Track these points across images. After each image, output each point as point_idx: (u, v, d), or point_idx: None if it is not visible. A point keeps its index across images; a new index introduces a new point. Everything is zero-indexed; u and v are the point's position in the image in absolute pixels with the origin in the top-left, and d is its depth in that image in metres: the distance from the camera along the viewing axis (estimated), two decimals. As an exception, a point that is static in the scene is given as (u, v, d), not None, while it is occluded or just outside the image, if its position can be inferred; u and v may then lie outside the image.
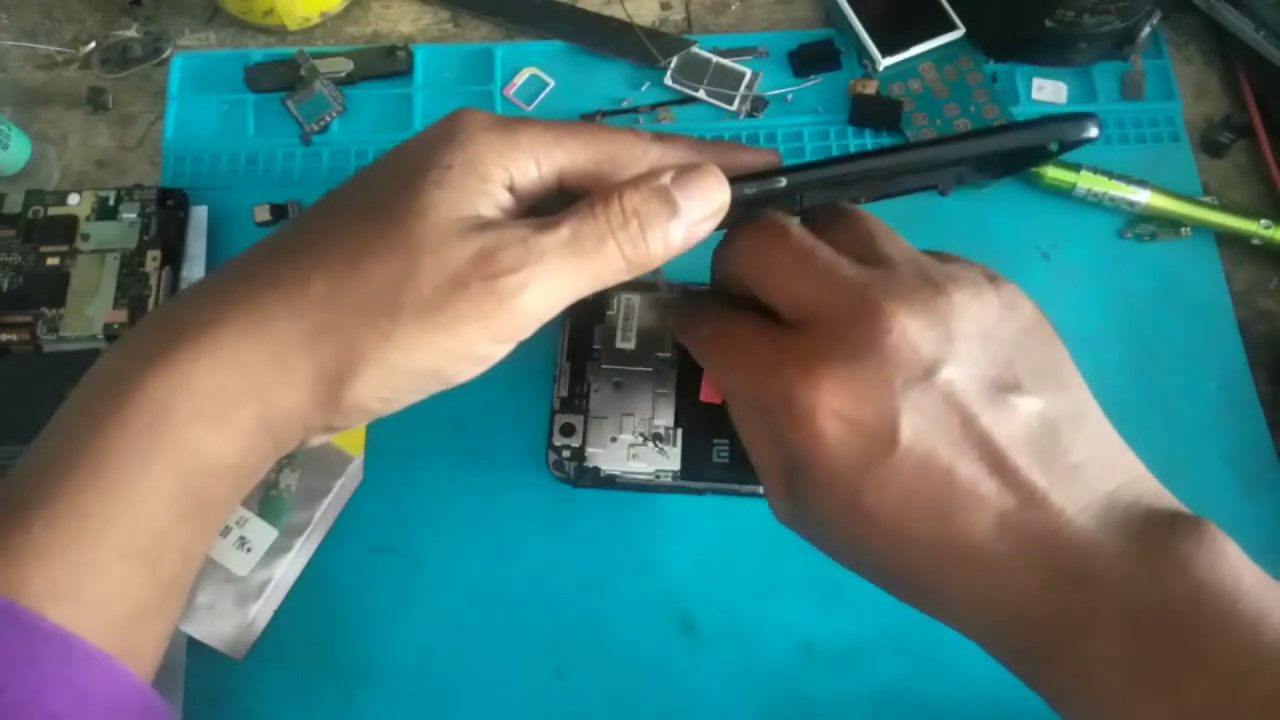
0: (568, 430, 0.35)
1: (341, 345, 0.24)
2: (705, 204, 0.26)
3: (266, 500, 0.37)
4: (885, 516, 0.25)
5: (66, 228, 0.40)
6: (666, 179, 0.26)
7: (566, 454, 0.35)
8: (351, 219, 0.26)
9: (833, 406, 0.25)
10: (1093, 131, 0.26)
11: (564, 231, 0.25)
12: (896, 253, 0.27)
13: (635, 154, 0.27)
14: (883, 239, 0.28)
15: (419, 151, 0.26)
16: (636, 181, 0.26)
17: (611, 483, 0.35)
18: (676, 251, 0.26)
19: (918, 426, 0.25)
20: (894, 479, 0.25)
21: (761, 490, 0.31)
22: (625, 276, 0.26)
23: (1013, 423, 0.25)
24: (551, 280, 0.25)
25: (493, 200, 0.26)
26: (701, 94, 0.44)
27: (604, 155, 0.27)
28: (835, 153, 0.44)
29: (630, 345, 0.36)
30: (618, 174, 0.27)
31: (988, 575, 0.25)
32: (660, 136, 0.28)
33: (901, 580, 0.27)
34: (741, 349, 0.28)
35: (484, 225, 0.25)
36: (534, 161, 0.26)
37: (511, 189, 0.26)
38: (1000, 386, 0.25)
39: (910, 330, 0.25)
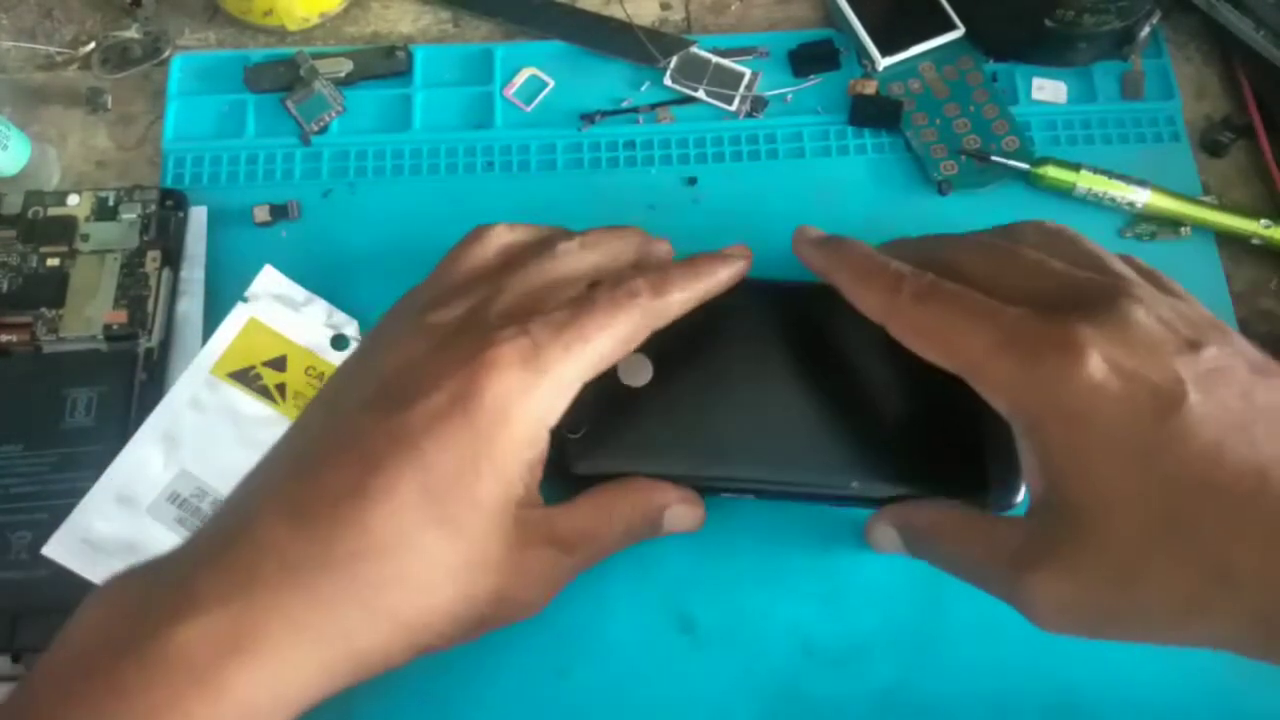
0: (571, 426, 0.35)
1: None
2: None
3: (266, 500, 0.37)
4: (1191, 470, 0.24)
5: (66, 228, 0.40)
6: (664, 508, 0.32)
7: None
8: (412, 502, 0.26)
9: (1107, 353, 0.25)
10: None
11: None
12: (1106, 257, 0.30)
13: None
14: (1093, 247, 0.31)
15: (461, 432, 0.27)
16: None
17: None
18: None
19: (1199, 386, 0.25)
20: (1193, 436, 0.24)
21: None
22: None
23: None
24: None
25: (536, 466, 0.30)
26: (701, 94, 0.44)
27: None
28: (836, 153, 0.44)
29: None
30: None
31: None
32: (657, 288, 0.31)
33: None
34: (982, 309, 0.28)
35: (527, 507, 0.29)
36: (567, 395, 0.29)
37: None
38: (1257, 372, 0.26)
39: (1164, 314, 0.27)
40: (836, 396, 0.34)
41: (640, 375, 0.35)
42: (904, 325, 0.30)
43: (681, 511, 0.32)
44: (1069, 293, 0.28)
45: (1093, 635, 0.27)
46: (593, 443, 0.34)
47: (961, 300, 0.29)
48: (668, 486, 0.33)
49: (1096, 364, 0.25)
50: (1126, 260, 0.31)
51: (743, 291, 0.35)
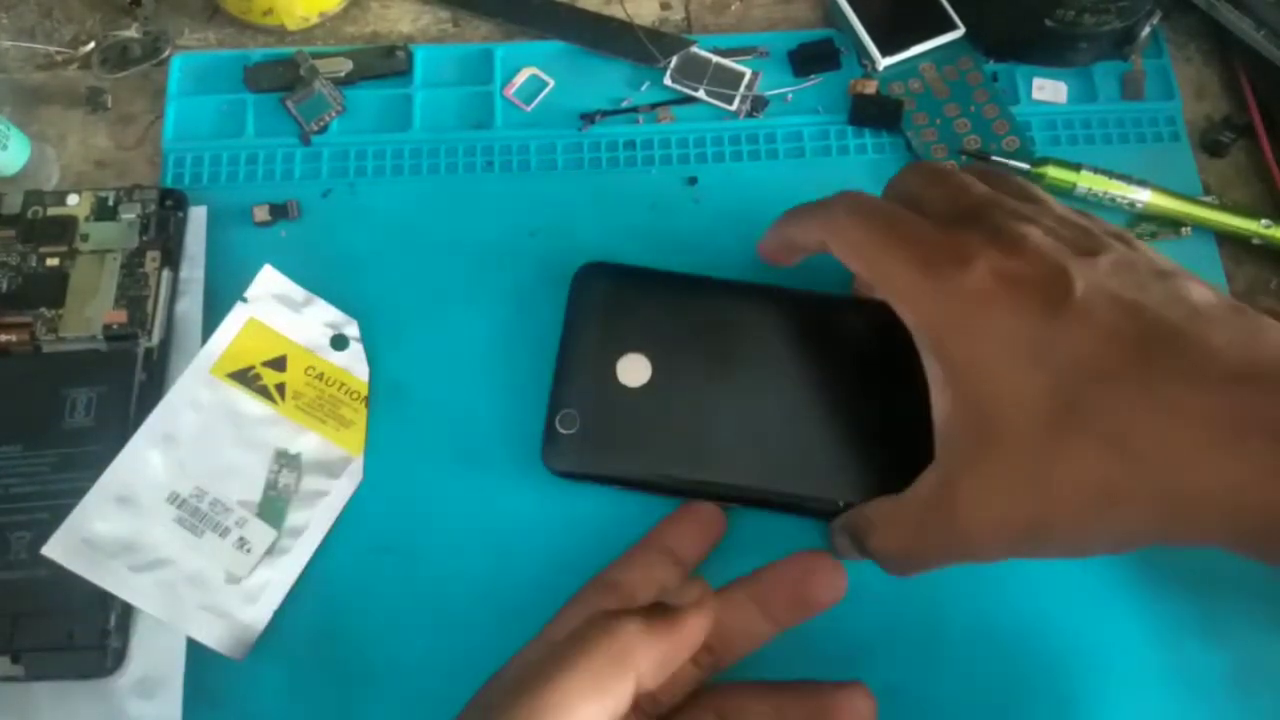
0: (568, 421, 0.35)
1: None
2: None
3: (266, 500, 0.37)
4: (1083, 358, 0.25)
5: (66, 228, 0.40)
6: None
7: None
8: None
9: (996, 262, 0.26)
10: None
11: None
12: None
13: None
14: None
15: None
16: None
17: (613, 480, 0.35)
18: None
19: (1090, 280, 0.26)
20: (1081, 325, 0.25)
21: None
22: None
23: (1181, 291, 0.26)
24: None
25: None
26: (701, 94, 0.44)
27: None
28: (836, 153, 0.44)
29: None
30: None
31: (1205, 420, 0.24)
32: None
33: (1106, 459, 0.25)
34: (898, 222, 0.29)
35: None
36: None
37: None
38: (1156, 273, 0.27)
39: (1064, 233, 0.27)
40: (831, 410, 0.34)
41: (639, 375, 0.35)
42: (840, 240, 0.30)
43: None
44: (980, 212, 0.29)
45: (1031, 553, 0.27)
46: (582, 440, 0.34)
47: (884, 213, 0.30)
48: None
49: (982, 271, 0.26)
50: (1065, 211, 0.31)
51: (746, 295, 0.35)
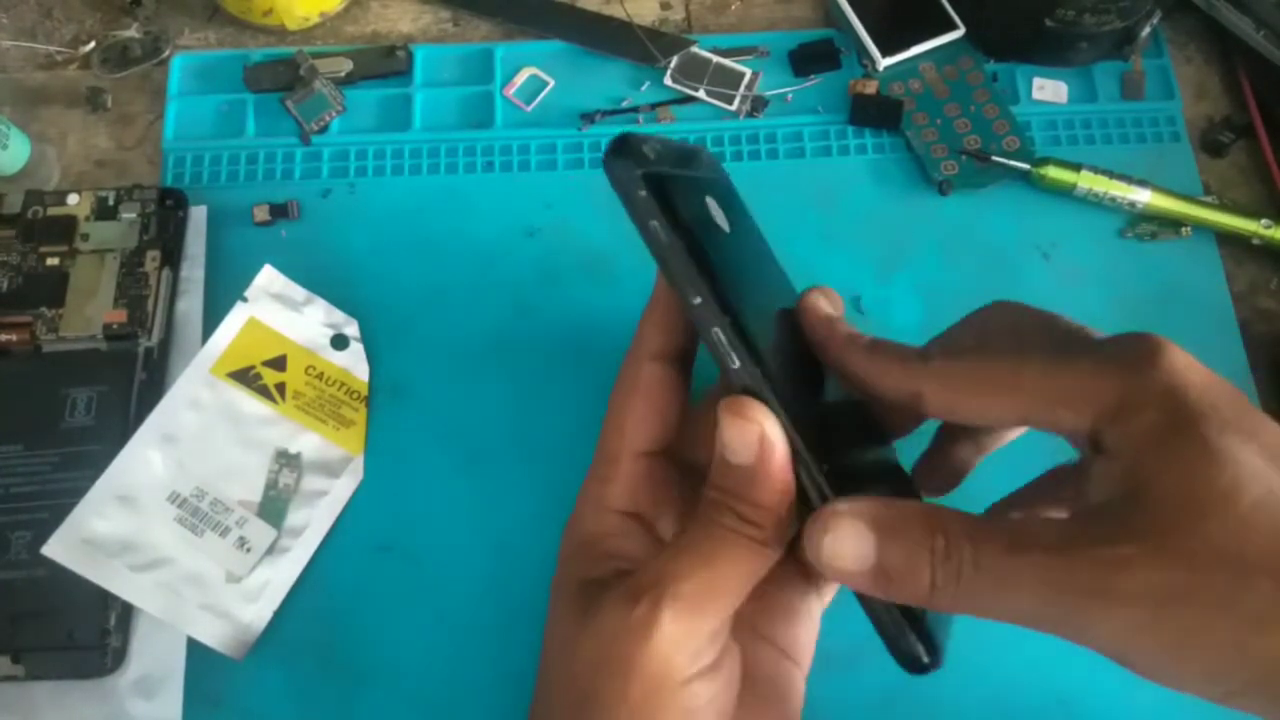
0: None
1: None
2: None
3: (266, 500, 0.37)
4: None
5: (66, 228, 0.40)
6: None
7: None
8: None
9: (1185, 356, 0.23)
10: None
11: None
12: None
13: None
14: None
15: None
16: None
17: None
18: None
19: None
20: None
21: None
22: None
23: None
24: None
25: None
26: (701, 94, 0.44)
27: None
28: (836, 153, 0.44)
29: None
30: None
31: None
32: None
33: None
34: (1026, 349, 0.26)
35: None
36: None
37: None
38: None
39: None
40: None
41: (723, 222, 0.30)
42: (940, 386, 0.26)
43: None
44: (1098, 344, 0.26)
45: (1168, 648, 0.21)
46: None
47: (997, 350, 0.27)
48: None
49: (1183, 356, 0.23)
50: None
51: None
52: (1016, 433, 0.31)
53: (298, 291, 0.40)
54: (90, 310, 0.38)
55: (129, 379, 0.38)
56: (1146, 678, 0.22)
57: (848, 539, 0.24)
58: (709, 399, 0.31)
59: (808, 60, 0.45)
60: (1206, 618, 0.20)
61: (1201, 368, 0.23)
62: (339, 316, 0.40)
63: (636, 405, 0.29)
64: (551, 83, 0.45)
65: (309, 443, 0.38)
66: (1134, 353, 0.24)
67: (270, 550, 0.36)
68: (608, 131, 0.44)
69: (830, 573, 0.24)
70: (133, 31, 0.46)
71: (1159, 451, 0.22)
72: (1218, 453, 0.21)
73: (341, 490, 0.37)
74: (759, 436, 0.25)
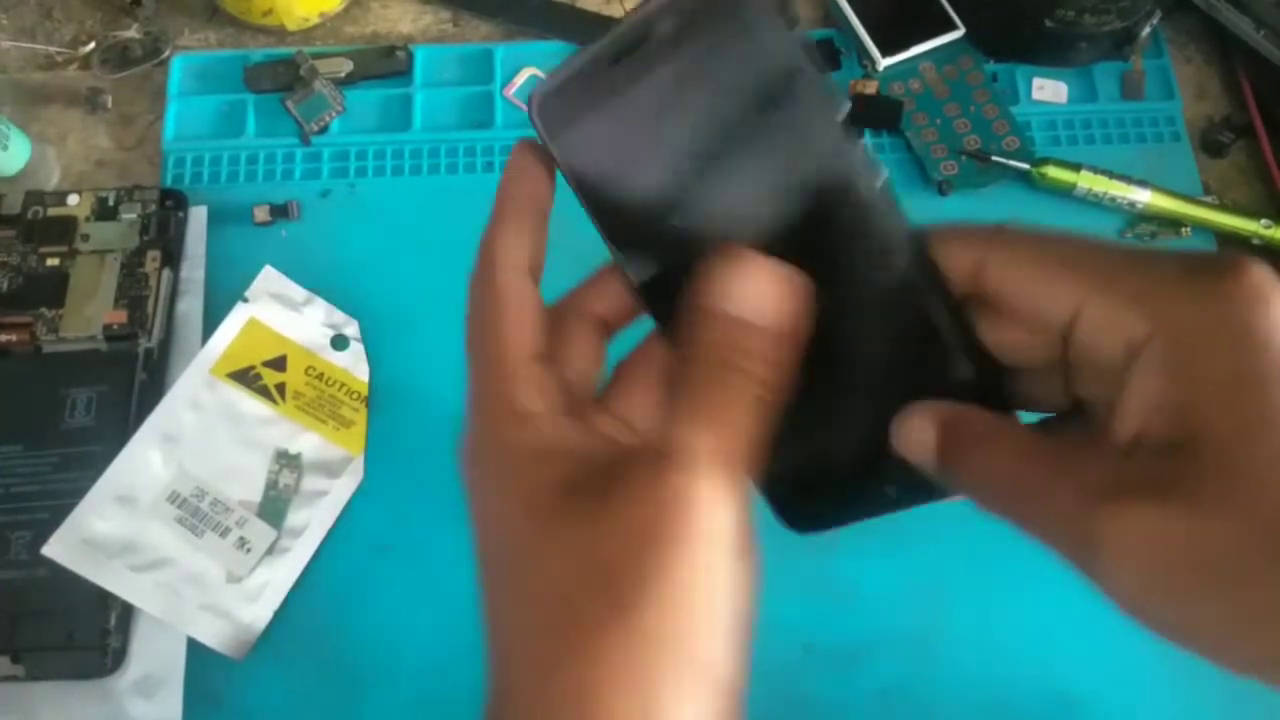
0: None
1: None
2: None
3: (266, 500, 0.37)
4: None
5: (66, 228, 0.40)
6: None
7: None
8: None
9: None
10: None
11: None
12: None
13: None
14: None
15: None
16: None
17: None
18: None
19: None
20: None
21: None
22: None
23: None
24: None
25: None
26: (701, 94, 0.44)
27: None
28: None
29: None
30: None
31: None
32: None
33: None
34: (1100, 240, 0.22)
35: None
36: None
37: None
38: None
39: None
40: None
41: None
42: (1006, 255, 0.24)
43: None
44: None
45: (1197, 609, 0.20)
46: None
47: (1081, 237, 0.23)
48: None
49: (1260, 271, 0.20)
50: None
51: None
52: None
53: (298, 292, 0.40)
54: (90, 311, 0.38)
55: (129, 379, 0.38)
56: (1151, 624, 0.21)
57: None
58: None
59: (808, 60, 0.45)
60: (1255, 577, 0.19)
61: None
62: (339, 316, 0.40)
63: (512, 314, 0.25)
64: (551, 83, 0.45)
65: (309, 443, 0.38)
66: (1227, 272, 0.21)
67: (270, 550, 0.36)
68: (608, 132, 0.44)
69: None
70: (133, 32, 0.46)
71: (1226, 400, 0.20)
72: None
73: (341, 490, 0.37)
74: (787, 294, 0.23)
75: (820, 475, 0.26)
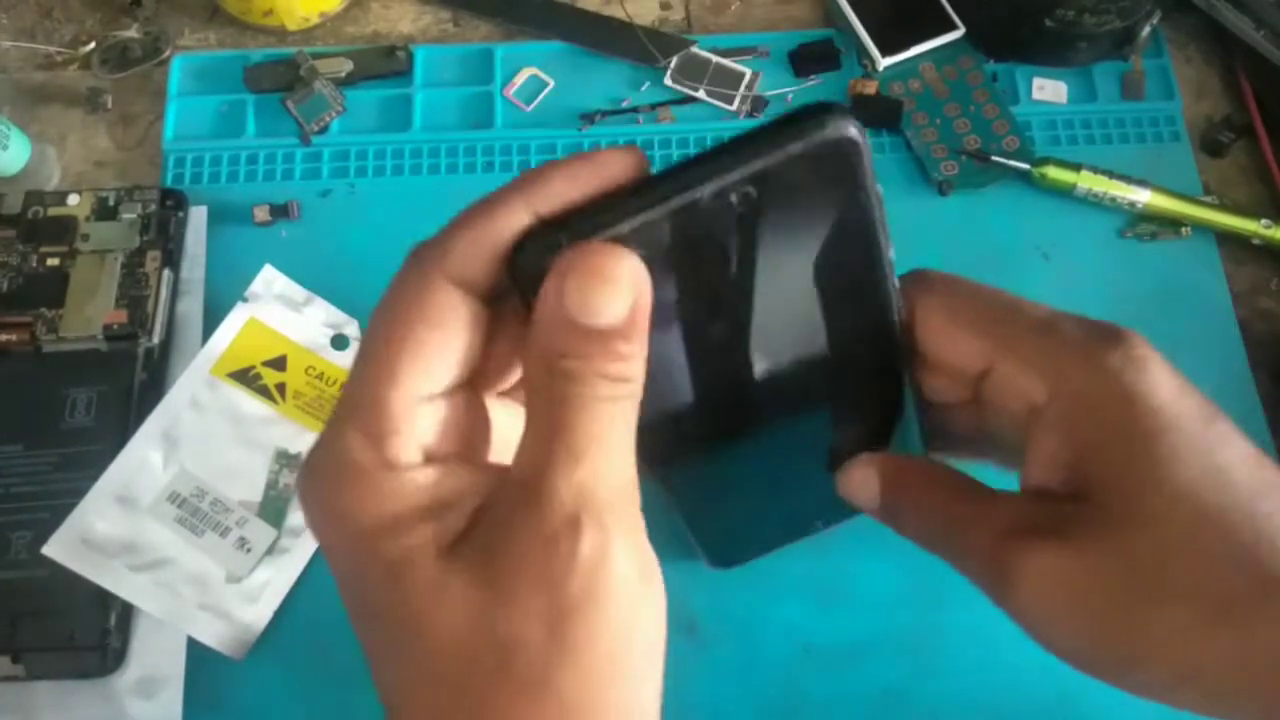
0: None
1: None
2: (609, 291, 0.20)
3: (266, 500, 0.37)
4: (1245, 465, 0.22)
5: (66, 228, 0.40)
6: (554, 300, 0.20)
7: None
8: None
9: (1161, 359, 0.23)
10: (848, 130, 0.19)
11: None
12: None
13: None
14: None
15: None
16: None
17: None
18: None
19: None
20: (1238, 441, 0.22)
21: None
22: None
23: None
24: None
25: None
26: (701, 94, 0.44)
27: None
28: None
29: None
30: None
31: None
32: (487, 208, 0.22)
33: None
34: (1017, 303, 0.25)
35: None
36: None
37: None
38: None
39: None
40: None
41: None
42: (925, 308, 0.25)
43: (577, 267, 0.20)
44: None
45: (1085, 637, 0.23)
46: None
47: (993, 292, 0.26)
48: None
49: (1160, 360, 0.23)
50: None
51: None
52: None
53: (298, 291, 0.40)
54: (90, 310, 0.38)
55: (129, 379, 0.38)
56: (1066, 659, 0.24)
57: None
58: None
59: (808, 60, 0.45)
60: (1137, 608, 0.21)
61: (1176, 377, 0.23)
62: (339, 316, 0.40)
63: (421, 336, 0.21)
64: (551, 83, 0.45)
65: (309, 443, 0.38)
66: (1114, 343, 0.23)
67: (270, 550, 0.36)
68: (608, 132, 0.44)
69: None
70: (133, 32, 0.46)
71: (1110, 459, 0.23)
72: (1169, 469, 0.22)
73: (341, 490, 0.37)
74: (633, 290, 0.20)
75: (756, 522, 0.27)
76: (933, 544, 0.26)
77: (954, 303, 0.25)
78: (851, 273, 0.23)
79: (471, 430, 0.23)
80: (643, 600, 0.21)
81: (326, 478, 0.21)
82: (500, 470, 0.22)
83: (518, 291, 0.21)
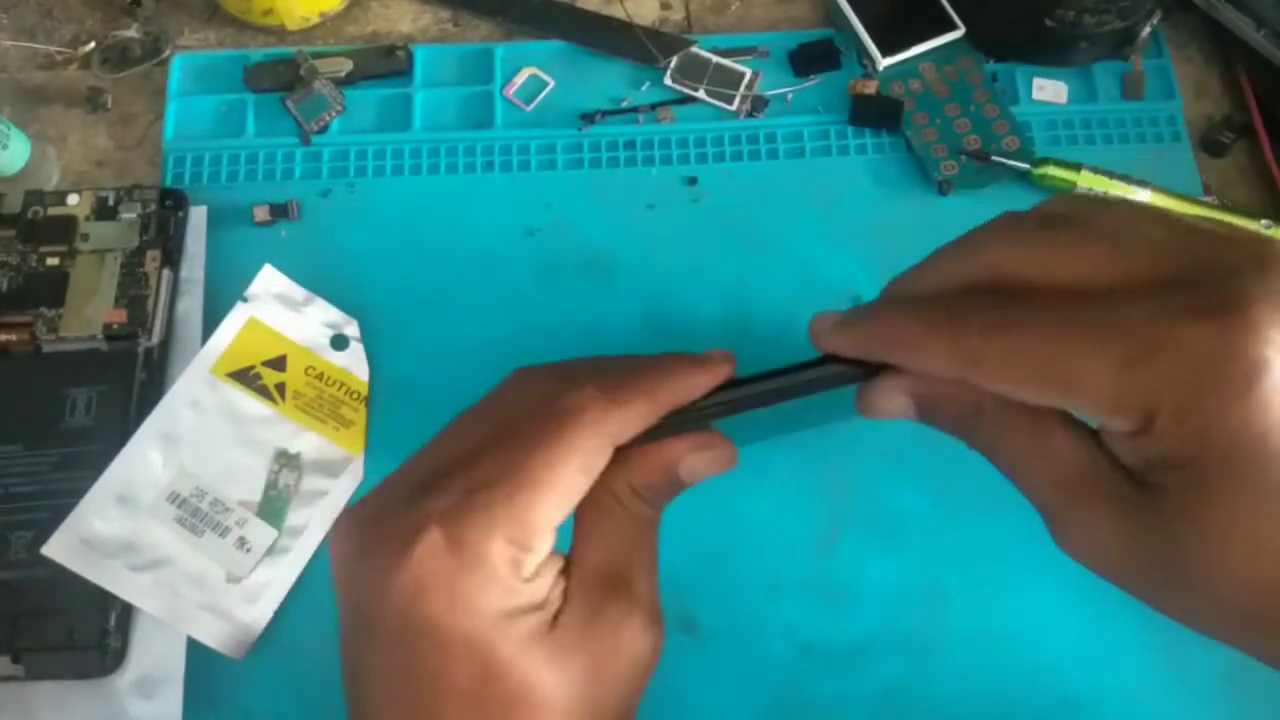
0: None
1: None
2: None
3: (266, 500, 0.37)
4: None
5: (66, 228, 0.40)
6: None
7: None
8: None
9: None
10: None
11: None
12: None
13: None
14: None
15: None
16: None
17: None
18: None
19: None
20: None
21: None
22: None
23: None
24: None
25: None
26: (701, 94, 0.44)
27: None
28: (836, 153, 0.44)
29: None
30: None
31: None
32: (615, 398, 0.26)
33: None
34: (1087, 321, 0.21)
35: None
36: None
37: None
38: None
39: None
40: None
41: None
42: (989, 373, 0.23)
43: (697, 461, 0.27)
44: (1185, 267, 0.21)
45: (1141, 589, 0.23)
46: None
47: (1052, 317, 0.22)
48: (667, 443, 0.27)
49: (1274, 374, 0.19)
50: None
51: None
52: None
53: (298, 291, 0.40)
54: (90, 310, 0.39)
55: (129, 379, 0.38)
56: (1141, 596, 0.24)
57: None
58: None
59: (808, 60, 0.45)
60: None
61: None
62: (339, 316, 0.40)
63: (577, 483, 0.25)
64: (551, 83, 0.45)
65: (309, 443, 0.38)
66: (1213, 356, 0.20)
67: (270, 550, 0.36)
68: (608, 131, 0.44)
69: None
70: (133, 31, 0.46)
71: (1207, 499, 0.21)
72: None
73: (341, 490, 0.37)
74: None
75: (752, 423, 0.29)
76: (990, 453, 0.26)
77: (1024, 352, 0.22)
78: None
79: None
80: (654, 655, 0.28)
81: (463, 571, 0.24)
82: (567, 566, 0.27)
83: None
